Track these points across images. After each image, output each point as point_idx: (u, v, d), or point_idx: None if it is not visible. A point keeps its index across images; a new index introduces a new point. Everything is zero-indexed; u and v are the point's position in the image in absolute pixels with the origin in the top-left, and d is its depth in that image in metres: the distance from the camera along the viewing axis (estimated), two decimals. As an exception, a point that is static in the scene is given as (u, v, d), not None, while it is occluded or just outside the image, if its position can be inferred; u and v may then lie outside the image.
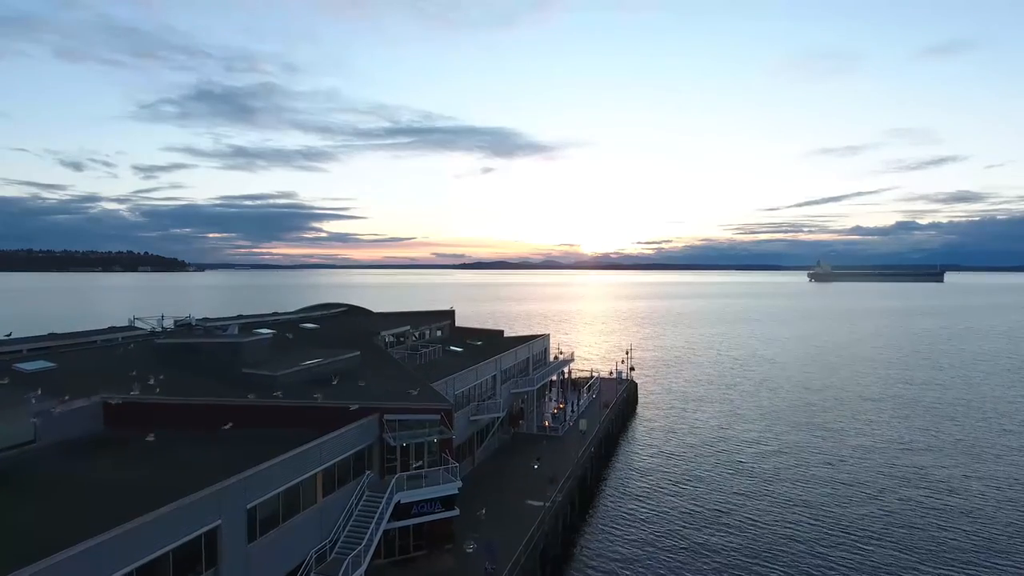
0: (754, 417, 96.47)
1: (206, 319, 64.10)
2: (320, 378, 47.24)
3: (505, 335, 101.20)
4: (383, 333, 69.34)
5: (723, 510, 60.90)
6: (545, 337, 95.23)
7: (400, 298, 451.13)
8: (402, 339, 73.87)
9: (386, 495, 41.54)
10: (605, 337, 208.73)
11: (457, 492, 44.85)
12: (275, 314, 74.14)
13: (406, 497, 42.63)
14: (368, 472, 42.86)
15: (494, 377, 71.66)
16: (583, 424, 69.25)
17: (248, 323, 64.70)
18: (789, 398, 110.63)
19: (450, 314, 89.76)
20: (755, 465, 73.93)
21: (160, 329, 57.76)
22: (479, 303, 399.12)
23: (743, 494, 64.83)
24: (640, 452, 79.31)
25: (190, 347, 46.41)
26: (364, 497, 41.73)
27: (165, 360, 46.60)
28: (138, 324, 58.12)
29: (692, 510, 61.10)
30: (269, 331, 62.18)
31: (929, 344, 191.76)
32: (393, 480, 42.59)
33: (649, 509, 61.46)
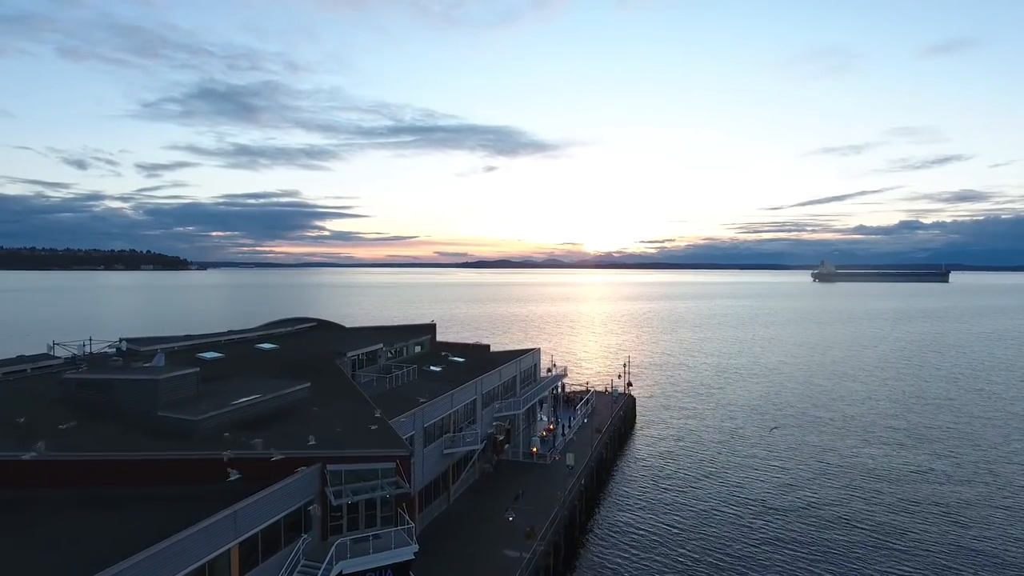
0: (761, 441, 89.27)
1: (143, 339, 57.22)
2: (256, 419, 40.28)
3: (492, 348, 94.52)
4: (350, 354, 62.36)
5: (726, 556, 53.90)
6: (535, 351, 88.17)
7: (399, 298, 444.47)
8: (373, 359, 66.94)
9: (324, 565, 34.63)
10: (604, 343, 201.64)
11: (413, 557, 37.91)
12: (230, 332, 67.18)
13: (350, 566, 35.69)
14: (305, 536, 35.91)
15: (474, 402, 64.75)
16: (570, 458, 62.29)
17: (196, 345, 57.76)
18: (797, 417, 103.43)
19: (430, 328, 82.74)
20: (760, 500, 66.74)
21: (83, 356, 50.82)
22: (477, 304, 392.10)
23: (748, 536, 57.75)
24: (636, 484, 72.15)
25: (100, 384, 39.47)
26: (299, 568, 34.84)
27: (70, 400, 39.74)
28: (58, 351, 51.25)
29: (692, 556, 54.10)
30: (215, 355, 55.30)
31: (940, 352, 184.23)
32: (334, 546, 35.66)
33: (643, 555, 54.48)
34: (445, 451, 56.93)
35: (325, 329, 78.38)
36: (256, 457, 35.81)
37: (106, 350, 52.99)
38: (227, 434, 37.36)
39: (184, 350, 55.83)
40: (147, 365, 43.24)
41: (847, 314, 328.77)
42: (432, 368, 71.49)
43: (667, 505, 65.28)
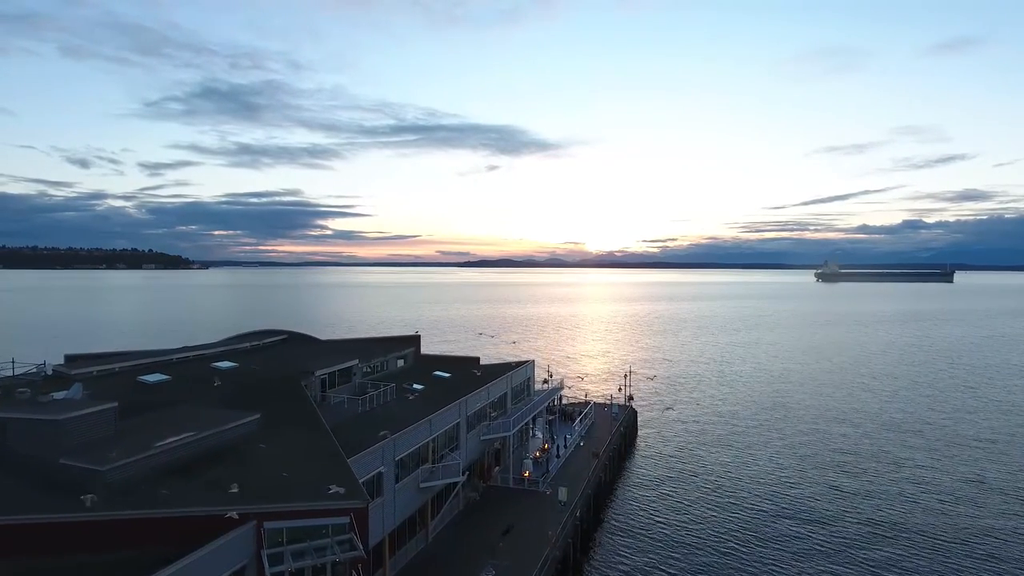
0: (769, 460, 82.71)
1: (84, 357, 50.92)
2: (185, 463, 33.86)
3: (486, 356, 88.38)
4: (319, 372, 55.97)
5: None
6: (528, 364, 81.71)
7: (397, 299, 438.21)
8: (347, 376, 60.55)
9: (255, 650, 28.30)
10: (603, 349, 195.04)
11: (367, 634, 31.49)
12: (185, 349, 60.75)
13: (288, 649, 29.37)
14: (233, 613, 29.51)
15: (457, 425, 58.29)
16: (563, 493, 55.76)
17: (140, 365, 51.31)
18: (809, 433, 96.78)
19: (414, 340, 76.32)
20: (770, 529, 60.19)
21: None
22: (476, 306, 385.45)
23: (756, 569, 51.31)
24: (636, 515, 65.57)
25: (-7, 424, 33.27)
26: (223, 653, 28.48)
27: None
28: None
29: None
30: (161, 378, 48.94)
31: (953, 357, 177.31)
32: (268, 625, 29.29)
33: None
34: (422, 484, 50.49)
35: (296, 343, 71.89)
36: (170, 517, 29.42)
37: (33, 370, 46.76)
38: (143, 486, 30.95)
39: (125, 372, 49.43)
40: (58, 398, 36.91)
41: (853, 317, 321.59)
42: (414, 386, 65.04)
43: (670, 539, 58.79)
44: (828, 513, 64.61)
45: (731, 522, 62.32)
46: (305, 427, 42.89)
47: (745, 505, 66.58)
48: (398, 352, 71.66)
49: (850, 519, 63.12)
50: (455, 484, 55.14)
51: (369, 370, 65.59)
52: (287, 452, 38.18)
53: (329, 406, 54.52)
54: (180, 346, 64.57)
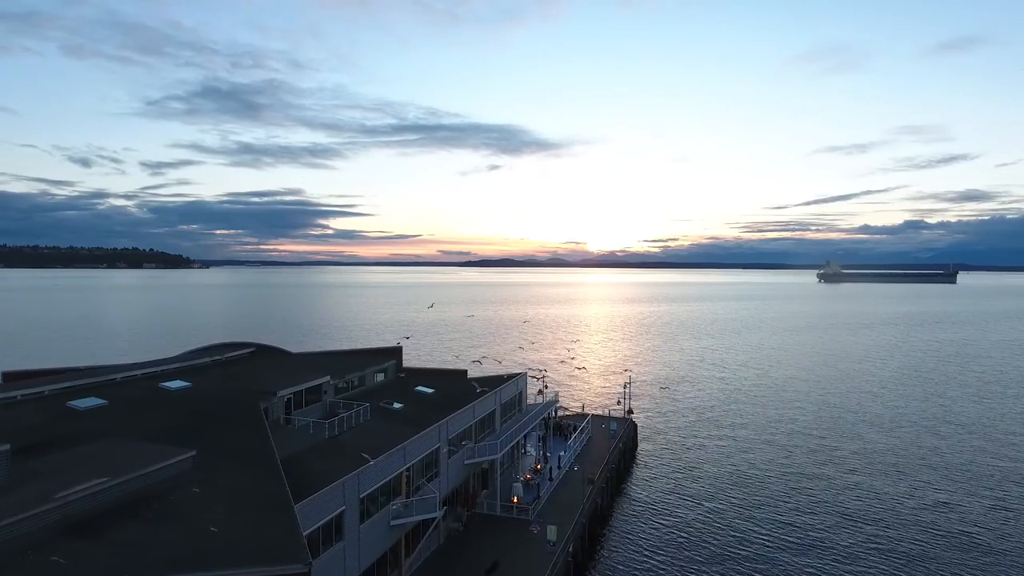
0: (777, 479, 77.01)
1: (16, 375, 45.33)
2: (90, 519, 28.31)
3: (479, 362, 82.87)
4: (282, 392, 50.41)
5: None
6: (520, 377, 76.05)
7: (394, 300, 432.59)
8: (316, 395, 55.01)
9: None
10: (602, 354, 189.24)
11: None
12: (136, 365, 55.19)
13: None
14: None
15: (436, 451, 52.72)
16: (552, 532, 50.06)
17: (75, 387, 45.66)
18: (820, 448, 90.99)
19: (396, 352, 70.70)
20: (778, 557, 54.57)
21: None
22: (473, 307, 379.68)
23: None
24: (635, 545, 59.93)
25: None
26: None
27: None
28: None
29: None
30: (96, 403, 43.34)
31: (963, 364, 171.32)
32: None
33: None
34: (393, 522, 44.91)
35: (263, 357, 66.16)
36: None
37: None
38: (31, 551, 25.40)
39: (56, 395, 43.84)
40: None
41: (858, 319, 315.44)
42: (393, 405, 59.52)
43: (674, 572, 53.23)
44: (851, 550, 58.92)
45: (739, 554, 56.68)
46: (252, 463, 37.25)
47: (754, 532, 60.92)
48: (376, 366, 66.08)
49: (875, 555, 57.44)
50: (433, 519, 49.59)
51: (344, 386, 60.06)
52: (224, 498, 32.56)
53: (293, 431, 49.00)
54: (148, 360, 58.90)
